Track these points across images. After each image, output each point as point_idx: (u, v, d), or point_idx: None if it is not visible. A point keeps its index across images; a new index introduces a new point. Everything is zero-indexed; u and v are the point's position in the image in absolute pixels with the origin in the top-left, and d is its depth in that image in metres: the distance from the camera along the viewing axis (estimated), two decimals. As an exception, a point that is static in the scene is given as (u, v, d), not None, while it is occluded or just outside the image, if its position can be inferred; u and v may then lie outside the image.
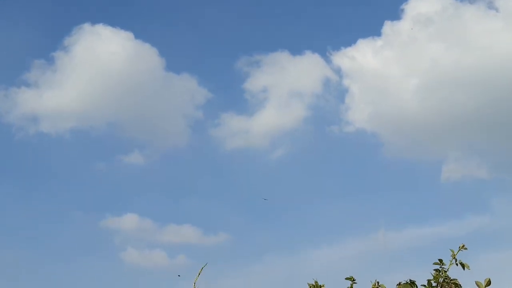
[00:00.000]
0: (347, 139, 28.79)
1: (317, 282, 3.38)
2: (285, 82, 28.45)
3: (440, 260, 3.13)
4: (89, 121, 26.48)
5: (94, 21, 27.32)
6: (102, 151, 28.19)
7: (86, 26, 26.09)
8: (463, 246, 3.18)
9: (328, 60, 27.87)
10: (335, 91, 28.35)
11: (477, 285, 3.07)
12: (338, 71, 27.93)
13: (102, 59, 26.03)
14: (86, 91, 25.67)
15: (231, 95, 30.06)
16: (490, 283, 3.06)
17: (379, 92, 29.77)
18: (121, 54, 26.16)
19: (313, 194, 28.72)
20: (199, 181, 28.82)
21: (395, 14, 32.98)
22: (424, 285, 3.14)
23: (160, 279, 23.62)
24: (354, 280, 3.32)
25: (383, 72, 29.02)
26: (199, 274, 3.45)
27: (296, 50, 31.37)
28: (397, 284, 3.12)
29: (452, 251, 3.18)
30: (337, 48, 28.44)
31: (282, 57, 28.46)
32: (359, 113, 28.99)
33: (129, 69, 26.48)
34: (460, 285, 3.13)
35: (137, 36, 26.74)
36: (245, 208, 27.48)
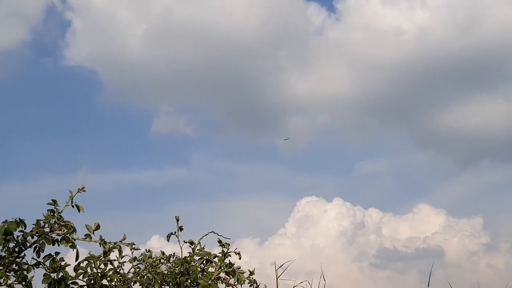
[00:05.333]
0: (63, 74, 27.42)
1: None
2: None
3: (54, 201, 3.00)
4: None
5: None
6: None
7: None
8: (82, 188, 3.09)
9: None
10: (58, 21, 26.65)
11: (87, 228, 3.04)
12: (64, 1, 26.23)
13: None
14: None
15: None
16: (99, 227, 3.05)
17: (105, 32, 29.00)
18: None
19: (14, 126, 26.77)
20: None
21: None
22: (34, 224, 2.98)
23: None
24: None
25: (112, 12, 28.30)
26: None
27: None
28: (3, 222, 2.90)
29: (71, 191, 3.07)
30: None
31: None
32: (79, 49, 27.82)
33: None
34: (74, 227, 3.05)
35: None
36: None
